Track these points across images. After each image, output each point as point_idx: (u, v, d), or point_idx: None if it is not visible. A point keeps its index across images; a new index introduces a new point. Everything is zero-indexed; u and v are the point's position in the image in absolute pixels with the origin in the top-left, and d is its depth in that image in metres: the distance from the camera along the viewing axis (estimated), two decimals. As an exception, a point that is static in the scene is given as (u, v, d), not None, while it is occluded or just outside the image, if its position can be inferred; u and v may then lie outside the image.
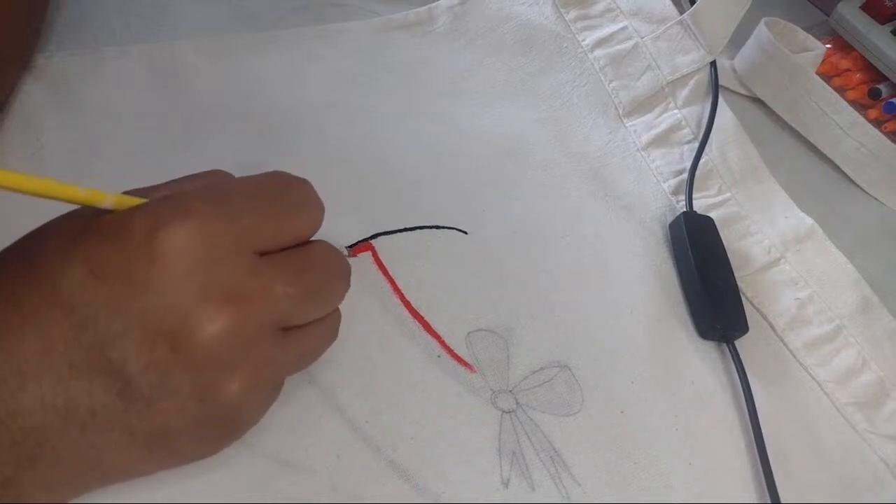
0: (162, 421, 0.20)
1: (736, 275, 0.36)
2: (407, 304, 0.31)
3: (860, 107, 0.48)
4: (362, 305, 0.30)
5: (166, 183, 0.23)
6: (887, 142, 0.46)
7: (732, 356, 0.34)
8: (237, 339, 0.20)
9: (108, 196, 0.20)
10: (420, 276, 0.32)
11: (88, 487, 0.22)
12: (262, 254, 0.21)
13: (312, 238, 0.24)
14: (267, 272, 0.21)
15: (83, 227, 0.20)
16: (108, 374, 0.19)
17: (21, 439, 0.19)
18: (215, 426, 0.22)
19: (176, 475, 0.24)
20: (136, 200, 0.21)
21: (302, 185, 0.23)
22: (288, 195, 0.23)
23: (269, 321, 0.21)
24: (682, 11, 0.44)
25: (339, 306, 0.25)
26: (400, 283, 0.32)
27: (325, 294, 0.24)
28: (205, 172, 0.23)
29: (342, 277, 0.25)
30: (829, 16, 0.51)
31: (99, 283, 0.19)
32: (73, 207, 0.21)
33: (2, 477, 0.19)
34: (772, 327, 0.37)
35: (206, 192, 0.21)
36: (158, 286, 0.19)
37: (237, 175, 0.24)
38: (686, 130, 0.42)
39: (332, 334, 0.25)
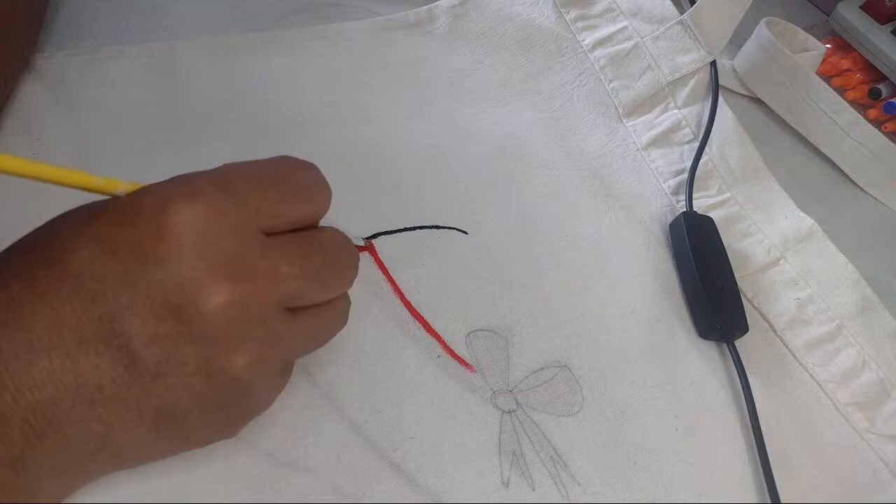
0: (169, 397, 0.20)
1: (736, 275, 0.36)
2: (407, 304, 0.31)
3: (860, 107, 0.48)
4: (362, 305, 0.30)
5: (175, 177, 0.23)
6: (887, 142, 0.46)
7: (732, 356, 0.34)
8: (242, 314, 0.20)
9: (123, 184, 0.21)
10: (420, 276, 0.32)
11: (97, 471, 0.22)
12: (269, 235, 0.22)
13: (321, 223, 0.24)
14: (273, 252, 0.21)
15: (95, 210, 0.20)
16: (115, 348, 0.19)
17: (30, 416, 0.19)
18: (223, 405, 0.22)
19: (176, 474, 0.24)
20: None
21: (309, 168, 0.24)
22: (295, 179, 0.23)
23: (274, 299, 0.21)
24: (682, 11, 0.44)
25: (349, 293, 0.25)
26: (400, 283, 0.32)
27: (333, 277, 0.24)
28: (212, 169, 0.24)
29: (350, 263, 0.25)
30: (829, 16, 0.52)
31: (108, 258, 0.19)
32: (87, 199, 0.21)
33: (10, 457, 0.19)
34: (772, 327, 0.37)
35: (214, 175, 0.21)
36: (165, 260, 0.19)
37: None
38: (686, 130, 0.42)
39: (342, 319, 0.26)
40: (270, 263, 0.21)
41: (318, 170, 0.24)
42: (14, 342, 0.19)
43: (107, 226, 0.20)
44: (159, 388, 0.20)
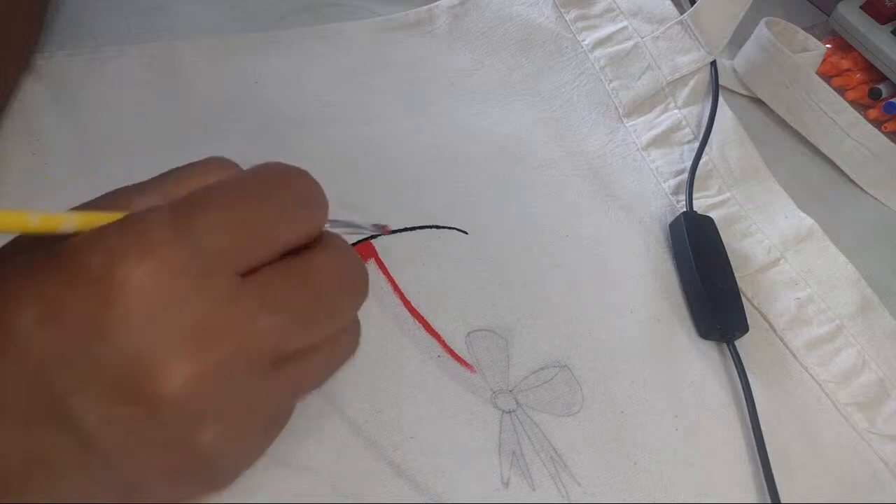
0: (132, 474, 0.18)
1: (736, 275, 0.36)
2: (407, 304, 0.31)
3: (860, 107, 0.48)
4: (362, 306, 0.30)
5: (153, 180, 0.20)
6: (887, 142, 0.46)
7: (732, 356, 0.34)
8: (209, 386, 0.18)
9: (67, 218, 0.18)
10: (420, 276, 0.32)
11: None
12: (248, 272, 0.19)
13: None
14: (248, 301, 0.18)
15: (36, 259, 0.18)
16: (67, 425, 0.17)
17: None
18: (192, 478, 0.19)
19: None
20: (103, 218, 0.18)
21: (298, 178, 0.21)
22: (284, 193, 0.20)
23: (249, 360, 0.18)
24: (682, 11, 0.44)
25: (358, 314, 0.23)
26: (400, 283, 0.32)
27: (326, 313, 0.21)
28: (201, 163, 0.21)
29: (351, 288, 0.21)
30: (829, 16, 0.52)
31: (52, 329, 0.17)
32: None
33: None
34: (772, 327, 0.37)
35: (174, 214, 0.18)
36: (114, 333, 0.17)
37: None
38: (686, 130, 0.42)
39: (346, 352, 0.23)
40: (243, 319, 0.18)
41: (310, 178, 0.21)
42: None
43: (49, 286, 0.17)
44: (119, 464, 0.18)
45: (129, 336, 0.17)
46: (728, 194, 0.41)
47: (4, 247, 0.19)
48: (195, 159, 0.22)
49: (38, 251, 0.18)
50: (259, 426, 0.21)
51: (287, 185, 0.20)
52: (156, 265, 0.17)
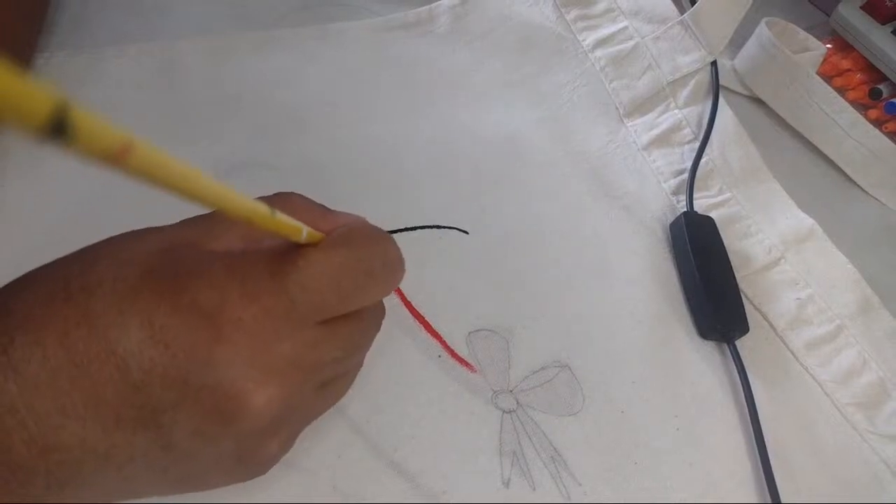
0: (198, 469, 0.21)
1: (736, 275, 0.36)
2: (407, 304, 0.31)
3: (861, 107, 0.48)
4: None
5: (239, 259, 0.20)
6: (888, 142, 0.46)
7: (733, 356, 0.34)
8: (285, 408, 0.20)
9: (304, 229, 0.20)
10: (420, 276, 0.32)
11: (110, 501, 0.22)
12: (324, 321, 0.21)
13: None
14: (322, 344, 0.21)
15: (140, 278, 0.19)
16: (154, 431, 0.19)
17: (55, 469, 0.18)
18: (246, 472, 0.23)
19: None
20: (316, 236, 0.21)
21: (386, 245, 0.22)
22: (370, 261, 0.21)
23: (314, 385, 0.22)
24: (682, 11, 0.44)
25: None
26: (400, 284, 0.32)
27: (366, 345, 0.24)
28: (282, 202, 0.22)
29: (379, 324, 0.25)
30: (829, 16, 0.52)
31: (158, 352, 0.18)
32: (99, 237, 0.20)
33: (29, 497, 0.19)
34: (772, 327, 0.37)
35: (282, 270, 0.20)
36: (219, 366, 0.19)
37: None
38: (687, 130, 0.42)
39: (358, 369, 0.26)
40: (318, 355, 0.21)
41: (394, 243, 0.23)
42: (46, 403, 0.18)
43: (158, 312, 0.18)
44: (190, 463, 0.20)
45: (231, 369, 0.19)
46: (729, 194, 0.41)
47: (95, 254, 0.20)
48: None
49: (137, 270, 0.19)
50: (302, 430, 0.24)
51: (375, 254, 0.22)
52: (261, 311, 0.19)
